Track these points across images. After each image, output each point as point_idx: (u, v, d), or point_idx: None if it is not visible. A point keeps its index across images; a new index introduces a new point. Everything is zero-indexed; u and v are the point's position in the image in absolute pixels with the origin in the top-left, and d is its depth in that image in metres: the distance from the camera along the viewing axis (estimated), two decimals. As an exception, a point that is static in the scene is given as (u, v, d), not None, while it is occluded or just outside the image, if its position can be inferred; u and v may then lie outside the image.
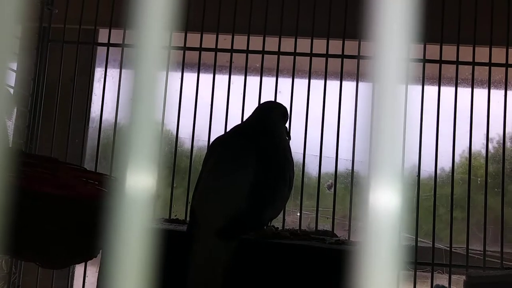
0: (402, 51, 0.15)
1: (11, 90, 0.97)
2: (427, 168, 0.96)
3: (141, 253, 0.11)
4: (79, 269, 0.97)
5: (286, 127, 0.81)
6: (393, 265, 0.14)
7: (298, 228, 0.92)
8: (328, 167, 0.99)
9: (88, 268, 0.92)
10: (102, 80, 1.03)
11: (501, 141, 0.93)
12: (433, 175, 0.92)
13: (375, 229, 0.14)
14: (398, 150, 0.15)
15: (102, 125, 0.99)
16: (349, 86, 0.96)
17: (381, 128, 0.15)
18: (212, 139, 0.94)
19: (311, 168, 0.99)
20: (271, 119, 0.75)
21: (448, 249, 0.90)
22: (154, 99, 0.13)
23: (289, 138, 0.81)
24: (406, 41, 0.16)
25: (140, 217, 0.12)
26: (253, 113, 0.78)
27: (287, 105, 0.83)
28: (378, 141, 0.15)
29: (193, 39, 0.98)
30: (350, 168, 0.93)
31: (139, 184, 0.12)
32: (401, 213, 0.14)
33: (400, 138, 0.15)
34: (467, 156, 0.94)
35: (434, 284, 0.90)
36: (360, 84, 0.94)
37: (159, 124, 0.14)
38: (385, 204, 0.14)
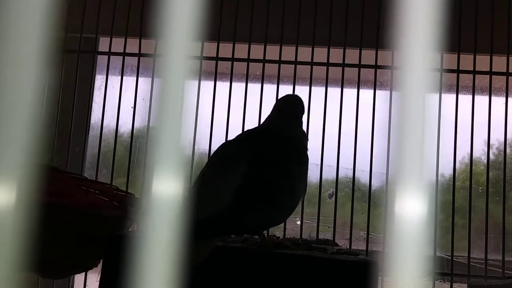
0: (427, 60, 0.15)
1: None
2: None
3: (170, 262, 0.11)
4: (79, 278, 0.96)
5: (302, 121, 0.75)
6: (419, 275, 0.14)
7: (299, 237, 0.92)
8: (328, 175, 0.98)
9: (88, 276, 0.91)
10: (102, 88, 1.03)
11: (501, 148, 0.94)
12: (434, 182, 0.91)
13: (400, 239, 0.14)
14: (423, 158, 0.15)
15: (103, 133, 0.99)
16: (350, 93, 0.96)
17: (406, 136, 0.15)
18: (212, 147, 0.94)
19: (312, 176, 0.99)
20: (282, 118, 0.73)
21: (449, 257, 0.90)
22: (178, 108, 0.13)
23: (306, 139, 0.76)
24: (428, 50, 0.16)
25: (169, 225, 0.11)
26: (271, 111, 0.76)
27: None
28: (402, 149, 0.15)
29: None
30: (351, 176, 0.93)
31: (167, 193, 0.12)
32: (428, 222, 0.14)
33: (425, 146, 0.15)
34: (467, 162, 0.94)
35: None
36: (361, 92, 0.94)
37: (185, 133, 0.14)
38: (411, 214, 0.14)
